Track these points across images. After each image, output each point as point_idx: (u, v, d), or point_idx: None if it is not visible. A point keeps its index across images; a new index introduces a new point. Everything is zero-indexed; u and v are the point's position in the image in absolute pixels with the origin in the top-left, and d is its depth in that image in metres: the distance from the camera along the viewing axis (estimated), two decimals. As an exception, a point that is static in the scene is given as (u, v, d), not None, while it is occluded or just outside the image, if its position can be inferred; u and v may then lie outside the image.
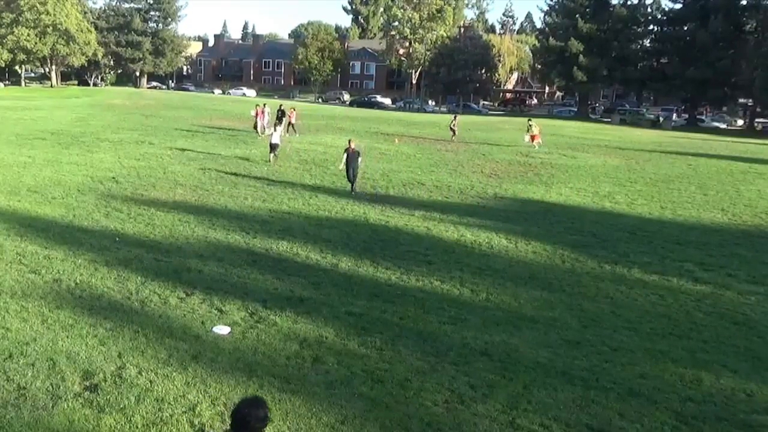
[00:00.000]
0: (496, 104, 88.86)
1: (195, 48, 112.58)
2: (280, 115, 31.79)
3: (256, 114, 31.30)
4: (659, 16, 70.07)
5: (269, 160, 22.65)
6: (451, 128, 34.15)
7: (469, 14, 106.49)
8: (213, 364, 7.16)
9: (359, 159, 18.24)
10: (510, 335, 8.48)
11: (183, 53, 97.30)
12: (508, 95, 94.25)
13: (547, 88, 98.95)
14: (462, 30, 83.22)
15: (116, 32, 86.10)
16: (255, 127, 31.41)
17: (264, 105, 32.96)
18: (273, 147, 22.81)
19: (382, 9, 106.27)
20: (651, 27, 70.13)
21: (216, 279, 10.13)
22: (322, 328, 8.35)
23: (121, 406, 6.24)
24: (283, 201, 16.40)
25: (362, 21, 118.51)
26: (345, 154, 18.17)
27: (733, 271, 11.99)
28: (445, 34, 78.96)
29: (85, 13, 79.97)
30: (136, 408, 6.21)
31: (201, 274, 10.32)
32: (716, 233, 15.27)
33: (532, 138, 31.43)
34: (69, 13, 71.62)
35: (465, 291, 10.21)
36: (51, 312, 8.43)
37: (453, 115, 38.00)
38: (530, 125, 32.19)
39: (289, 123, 31.32)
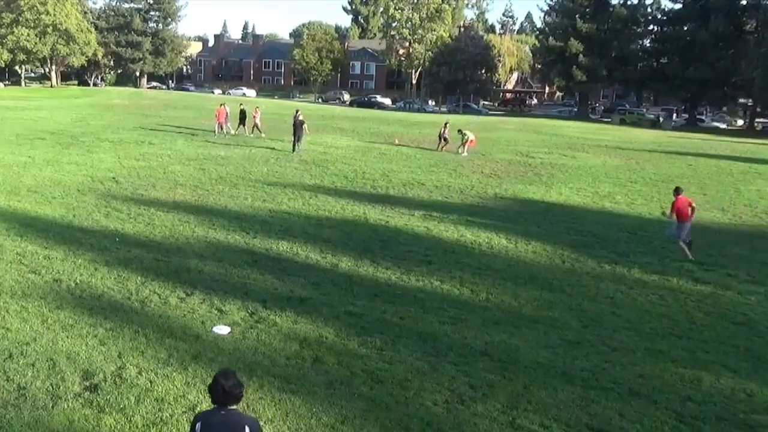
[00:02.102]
0: (496, 104, 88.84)
1: (195, 48, 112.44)
2: (242, 116, 30.85)
3: (217, 114, 29.95)
4: (659, 16, 70.16)
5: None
6: (442, 137, 28.93)
7: (469, 14, 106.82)
8: (213, 364, 7.15)
9: (304, 126, 24.02)
10: (510, 335, 8.48)
11: (183, 53, 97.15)
12: (508, 95, 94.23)
13: (547, 88, 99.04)
14: (462, 30, 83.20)
15: (116, 32, 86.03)
16: (222, 126, 30.19)
17: (224, 104, 31.61)
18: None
19: (381, 9, 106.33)
20: (651, 27, 70.18)
21: (216, 279, 10.13)
22: (322, 328, 8.35)
23: (121, 406, 6.24)
24: (283, 201, 16.41)
25: (362, 21, 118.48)
26: (293, 121, 24.08)
27: (733, 271, 11.99)
28: (444, 34, 78.94)
29: (85, 13, 79.94)
30: (136, 408, 6.21)
31: (201, 274, 10.32)
32: (716, 233, 15.27)
33: (466, 143, 27.17)
34: (69, 13, 71.56)
35: (465, 291, 10.22)
36: (51, 312, 8.43)
37: (444, 122, 30.70)
38: (463, 134, 27.36)
39: (254, 124, 30.35)
